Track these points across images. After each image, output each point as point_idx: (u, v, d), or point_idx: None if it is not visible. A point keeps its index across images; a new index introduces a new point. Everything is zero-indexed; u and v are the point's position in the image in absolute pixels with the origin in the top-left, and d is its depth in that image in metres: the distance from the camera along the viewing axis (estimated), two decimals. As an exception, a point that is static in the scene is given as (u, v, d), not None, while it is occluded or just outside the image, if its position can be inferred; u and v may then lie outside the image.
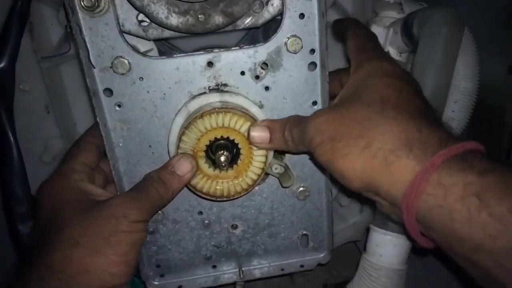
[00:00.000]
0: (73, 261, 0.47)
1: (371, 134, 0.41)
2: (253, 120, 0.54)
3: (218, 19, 0.49)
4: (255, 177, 0.56)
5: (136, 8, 0.49)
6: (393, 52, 0.68)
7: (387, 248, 0.65)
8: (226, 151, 0.54)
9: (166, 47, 0.67)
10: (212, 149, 0.55)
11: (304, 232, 0.66)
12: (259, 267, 0.69)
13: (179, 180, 0.53)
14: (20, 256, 0.62)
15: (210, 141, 0.54)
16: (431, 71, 0.56)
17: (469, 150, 0.38)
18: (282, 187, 0.61)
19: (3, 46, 0.56)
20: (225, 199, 0.58)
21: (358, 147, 0.41)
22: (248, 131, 0.53)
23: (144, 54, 0.53)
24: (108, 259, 0.48)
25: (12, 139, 0.56)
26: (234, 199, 0.59)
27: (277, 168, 0.59)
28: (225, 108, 0.52)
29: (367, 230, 0.70)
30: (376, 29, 0.67)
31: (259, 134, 0.52)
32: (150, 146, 0.57)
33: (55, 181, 0.54)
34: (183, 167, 0.53)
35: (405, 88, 0.44)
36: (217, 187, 0.56)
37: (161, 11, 0.48)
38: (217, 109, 0.52)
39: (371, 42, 0.52)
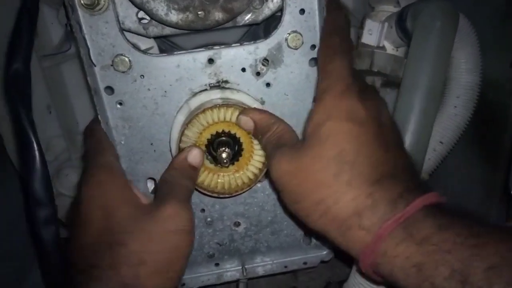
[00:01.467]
0: (141, 279, 0.47)
1: (328, 201, 0.44)
2: None
3: (218, 15, 0.49)
4: (256, 171, 0.56)
5: (135, 5, 0.49)
6: (388, 47, 0.67)
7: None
8: (228, 148, 0.54)
9: (167, 45, 0.67)
10: (213, 146, 0.55)
11: (307, 229, 0.66)
12: (262, 265, 0.69)
13: (195, 172, 0.54)
14: (43, 261, 0.61)
15: (211, 135, 0.54)
16: (425, 66, 0.56)
17: (416, 211, 0.40)
18: None
19: (16, 46, 0.54)
20: (227, 195, 0.58)
21: (318, 212, 0.45)
22: (238, 114, 0.53)
23: (144, 51, 0.53)
24: (168, 276, 0.49)
25: (34, 140, 0.54)
26: (236, 195, 0.58)
27: None
28: (227, 104, 0.52)
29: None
30: (372, 24, 0.67)
31: (245, 122, 0.53)
32: (151, 144, 0.57)
33: (101, 178, 0.51)
34: (196, 158, 0.53)
35: (364, 138, 0.44)
36: (218, 181, 0.57)
37: (160, 8, 0.48)
38: (218, 105, 0.52)
39: (336, 61, 0.48)
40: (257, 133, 0.53)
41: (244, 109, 0.53)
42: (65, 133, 0.74)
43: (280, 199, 0.49)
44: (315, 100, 0.56)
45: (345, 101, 0.45)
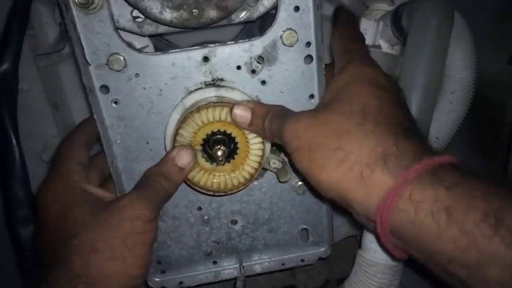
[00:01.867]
0: (93, 267, 0.47)
1: (349, 147, 0.42)
2: None
3: (212, 13, 0.49)
4: (252, 171, 0.56)
5: (130, 3, 0.49)
6: (384, 45, 0.67)
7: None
8: (223, 146, 0.54)
9: (162, 44, 0.68)
10: (209, 144, 0.55)
11: (304, 227, 0.66)
12: (260, 262, 0.69)
13: (181, 173, 0.54)
14: (21, 261, 0.62)
15: (207, 134, 0.54)
16: (421, 64, 0.56)
17: (442, 164, 0.39)
18: (280, 182, 0.61)
19: (5, 47, 0.55)
20: (222, 193, 0.58)
21: (335, 159, 0.42)
22: (232, 108, 0.52)
23: (139, 50, 0.53)
24: (127, 262, 0.48)
25: (14, 140, 0.56)
26: (232, 193, 0.58)
27: (275, 163, 0.59)
28: (221, 102, 0.52)
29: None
30: (367, 22, 0.67)
31: (241, 113, 0.52)
32: (147, 143, 0.57)
33: (56, 183, 0.53)
34: (184, 159, 0.53)
35: (386, 98, 0.45)
36: (214, 180, 0.56)
37: (154, 6, 0.48)
38: (212, 103, 0.52)
39: (357, 44, 0.51)
40: (256, 120, 0.51)
41: (236, 104, 0.53)
42: (62, 133, 0.74)
43: (293, 162, 0.46)
44: (311, 97, 0.56)
45: (370, 69, 0.46)
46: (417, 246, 0.39)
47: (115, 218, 0.49)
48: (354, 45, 0.50)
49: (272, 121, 0.50)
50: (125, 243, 0.48)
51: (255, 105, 0.53)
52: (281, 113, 0.49)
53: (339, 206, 0.46)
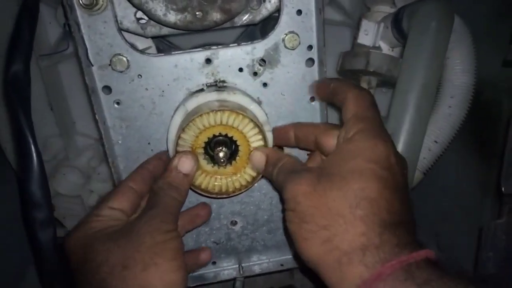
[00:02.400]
0: (129, 282, 0.46)
1: (335, 229, 0.43)
2: (251, 118, 0.53)
3: (216, 15, 0.49)
4: (254, 174, 0.56)
5: (134, 5, 0.49)
6: (384, 47, 0.68)
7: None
8: (225, 148, 0.54)
9: (165, 45, 0.68)
10: (210, 146, 0.55)
11: (303, 228, 0.67)
12: (259, 263, 0.69)
13: (187, 179, 0.54)
14: (40, 263, 0.59)
15: (208, 138, 0.54)
16: (420, 67, 0.56)
17: (418, 260, 0.41)
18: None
19: (16, 46, 0.54)
20: (224, 196, 0.58)
21: (320, 238, 0.44)
22: (251, 151, 0.55)
23: (142, 51, 0.54)
24: (161, 268, 0.47)
25: (31, 141, 0.54)
26: (233, 196, 0.59)
27: None
28: (223, 107, 0.52)
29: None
30: (368, 24, 0.67)
31: (258, 159, 0.55)
32: (149, 143, 0.58)
33: (77, 230, 0.51)
34: (187, 165, 0.53)
35: (388, 182, 0.45)
36: (216, 183, 0.57)
37: (159, 8, 0.49)
38: (215, 110, 0.52)
39: (371, 110, 0.50)
40: (268, 166, 0.54)
41: (255, 149, 0.55)
42: (62, 133, 0.74)
43: (285, 218, 0.48)
44: (312, 99, 0.57)
45: (378, 145, 0.46)
46: None
47: (134, 236, 0.48)
48: (369, 112, 0.49)
49: (279, 173, 0.51)
50: (154, 251, 0.47)
51: (270, 151, 0.55)
52: (289, 168, 0.51)
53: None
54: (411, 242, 0.43)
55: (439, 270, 0.40)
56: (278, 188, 0.51)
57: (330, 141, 0.50)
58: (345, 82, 0.54)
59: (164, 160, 0.57)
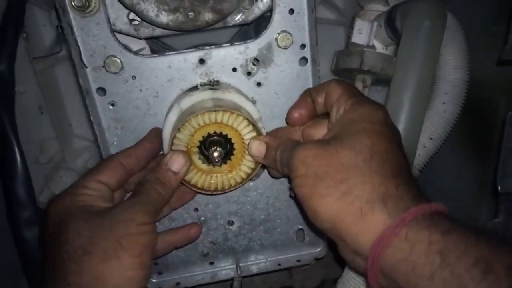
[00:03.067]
0: (85, 271, 0.46)
1: (353, 181, 0.43)
2: (245, 116, 0.54)
3: (208, 16, 0.50)
4: (249, 171, 0.57)
5: (126, 6, 0.49)
6: (378, 46, 0.68)
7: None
8: (219, 147, 0.54)
9: (159, 46, 0.68)
10: (205, 145, 0.55)
11: (300, 227, 0.67)
12: (256, 263, 0.69)
13: (176, 177, 0.54)
14: (26, 262, 0.61)
15: (203, 136, 0.55)
16: (413, 65, 0.56)
17: (436, 211, 0.41)
18: (271, 176, 0.61)
19: (1, 48, 0.55)
20: (219, 192, 0.58)
21: (338, 191, 0.43)
22: (249, 142, 0.54)
23: (136, 53, 0.54)
24: (122, 262, 0.46)
25: (14, 142, 0.55)
26: (229, 191, 0.59)
27: None
28: (218, 107, 0.52)
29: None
30: (361, 23, 0.67)
31: (257, 147, 0.54)
32: None
33: (62, 198, 0.51)
34: (177, 163, 0.53)
35: (392, 139, 0.46)
36: (211, 181, 0.57)
37: (151, 9, 0.49)
38: (210, 110, 0.52)
39: (355, 89, 0.52)
40: (269, 151, 0.53)
41: (253, 138, 0.54)
42: (58, 135, 0.74)
43: (295, 185, 0.47)
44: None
45: (377, 108, 0.48)
46: (407, 285, 0.40)
47: (107, 221, 0.48)
48: (354, 90, 0.51)
49: (283, 152, 0.51)
50: (120, 243, 0.47)
51: (270, 139, 0.54)
52: (292, 145, 0.50)
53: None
54: (423, 195, 0.43)
55: (457, 221, 0.40)
56: (283, 169, 0.51)
57: (321, 130, 0.52)
58: (318, 85, 0.55)
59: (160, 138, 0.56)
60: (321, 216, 0.44)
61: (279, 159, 0.51)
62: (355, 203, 0.42)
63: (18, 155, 0.54)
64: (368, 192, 0.42)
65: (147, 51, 0.60)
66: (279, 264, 0.69)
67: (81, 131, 0.77)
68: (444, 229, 0.39)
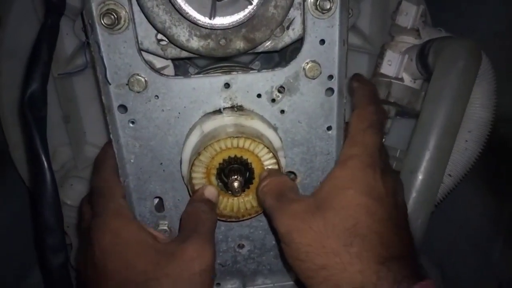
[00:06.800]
0: None
1: (333, 269, 0.44)
2: (266, 145, 0.53)
3: (240, 44, 0.48)
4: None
5: (157, 29, 0.48)
6: (407, 79, 0.67)
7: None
8: (240, 176, 0.53)
9: (180, 61, 0.67)
10: (225, 173, 0.54)
11: (310, 255, 0.66)
12: (263, 287, 0.68)
13: (215, 206, 0.54)
14: None
15: (223, 159, 0.54)
16: (444, 106, 0.55)
17: None
18: None
19: (34, 66, 0.52)
20: (233, 219, 0.57)
21: (319, 277, 0.45)
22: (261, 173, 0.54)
23: (161, 72, 0.53)
24: None
25: (46, 165, 0.53)
26: (244, 220, 0.58)
27: None
28: (240, 133, 0.52)
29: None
30: (392, 55, 0.66)
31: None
32: (161, 164, 0.57)
33: (114, 223, 0.49)
34: (213, 193, 0.54)
35: (379, 214, 0.46)
36: (227, 203, 0.56)
37: (182, 34, 0.48)
38: (232, 136, 0.51)
39: (368, 134, 0.51)
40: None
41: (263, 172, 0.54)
42: (72, 142, 0.73)
43: (281, 249, 0.49)
44: (329, 128, 0.56)
45: (368, 176, 0.47)
46: None
47: (186, 272, 0.47)
48: (364, 135, 0.51)
49: (266, 193, 0.51)
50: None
51: (273, 177, 0.53)
52: (278, 189, 0.51)
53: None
54: (409, 276, 0.43)
55: None
56: (265, 209, 0.52)
57: None
58: (362, 90, 0.55)
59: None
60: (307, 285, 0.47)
61: (258, 195, 0.52)
62: None
63: (48, 178, 0.52)
64: (347, 281, 0.44)
65: (170, 68, 0.59)
66: (286, 290, 0.69)
67: (94, 139, 0.77)
68: None
